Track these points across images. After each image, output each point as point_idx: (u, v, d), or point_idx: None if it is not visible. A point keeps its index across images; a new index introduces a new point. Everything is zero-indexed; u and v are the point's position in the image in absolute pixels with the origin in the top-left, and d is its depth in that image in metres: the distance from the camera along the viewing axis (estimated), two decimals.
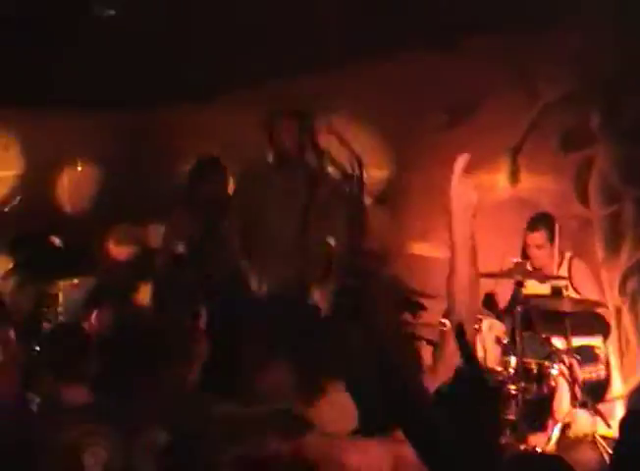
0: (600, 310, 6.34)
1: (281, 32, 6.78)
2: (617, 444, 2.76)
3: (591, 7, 6.46)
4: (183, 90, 8.41)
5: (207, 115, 8.96)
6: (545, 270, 6.47)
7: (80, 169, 9.31)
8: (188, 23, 6.42)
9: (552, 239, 6.43)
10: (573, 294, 6.34)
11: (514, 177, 7.37)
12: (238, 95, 8.54)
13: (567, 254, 6.56)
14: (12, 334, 4.30)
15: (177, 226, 6.75)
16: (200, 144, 8.85)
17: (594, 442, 5.62)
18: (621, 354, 6.46)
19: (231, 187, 7.23)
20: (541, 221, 6.54)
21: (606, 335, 6.33)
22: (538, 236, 6.47)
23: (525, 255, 6.59)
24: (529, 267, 6.37)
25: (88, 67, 7.02)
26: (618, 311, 6.46)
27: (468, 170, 7.46)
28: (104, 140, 9.51)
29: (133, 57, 6.72)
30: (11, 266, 6.52)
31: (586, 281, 6.49)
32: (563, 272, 6.49)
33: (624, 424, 2.70)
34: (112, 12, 5.18)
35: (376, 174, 8.21)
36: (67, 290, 5.94)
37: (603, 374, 6.21)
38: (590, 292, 6.38)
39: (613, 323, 6.43)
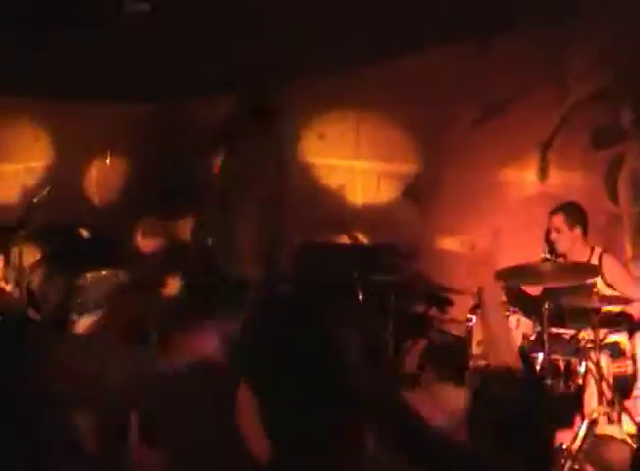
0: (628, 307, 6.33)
1: (311, 27, 6.79)
2: None
3: (621, 3, 6.43)
4: (211, 86, 8.48)
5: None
6: (570, 257, 6.42)
7: (108, 161, 9.37)
8: (217, 21, 6.43)
9: (572, 225, 6.39)
10: (603, 290, 6.32)
11: (543, 173, 7.37)
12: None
13: (597, 250, 6.53)
14: None
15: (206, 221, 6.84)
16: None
17: (622, 439, 5.60)
18: None
19: None
20: (563, 206, 6.52)
21: (632, 331, 6.32)
22: (556, 219, 6.43)
23: (548, 241, 6.58)
24: (554, 257, 6.37)
25: (120, 61, 7.06)
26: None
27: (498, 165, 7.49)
28: (133, 134, 9.58)
29: (165, 54, 6.74)
30: (39, 257, 6.55)
31: (619, 276, 6.46)
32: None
33: None
34: (146, 7, 5.13)
35: (405, 169, 8.29)
36: (95, 282, 5.98)
37: (630, 370, 6.15)
38: (623, 288, 6.35)
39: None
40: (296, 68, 7.83)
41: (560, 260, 6.42)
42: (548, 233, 6.54)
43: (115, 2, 5.04)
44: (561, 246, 6.44)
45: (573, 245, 6.43)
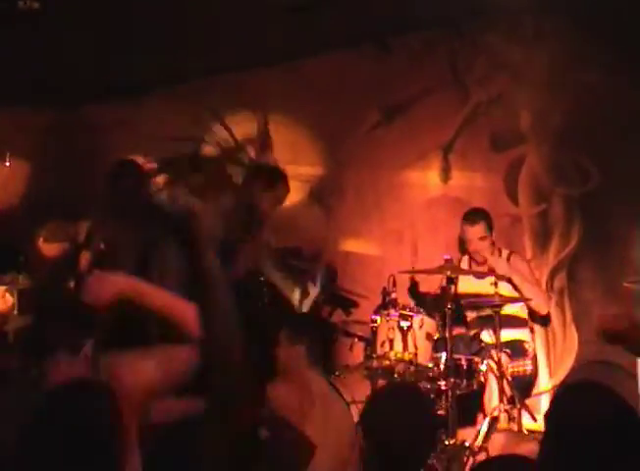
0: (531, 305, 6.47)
1: (212, 30, 6.73)
2: (544, 437, 2.83)
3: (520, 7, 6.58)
4: (112, 88, 8.38)
5: (135, 112, 8.97)
6: (479, 264, 6.56)
7: (8, 164, 9.21)
8: (113, 19, 6.31)
9: (490, 233, 6.53)
10: (505, 290, 6.42)
11: (446, 174, 7.44)
12: (166, 92, 8.45)
13: (505, 251, 6.64)
14: None
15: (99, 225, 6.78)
16: (129, 141, 8.85)
17: (521, 435, 5.70)
18: (548, 349, 6.58)
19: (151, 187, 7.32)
20: (479, 214, 6.60)
21: (533, 330, 6.49)
22: (479, 229, 6.52)
23: (464, 250, 6.72)
24: (463, 263, 6.57)
25: (17, 64, 6.94)
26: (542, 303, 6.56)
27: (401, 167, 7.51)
28: (34, 136, 9.43)
29: (61, 54, 6.63)
30: None
31: (525, 276, 6.58)
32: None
33: (549, 417, 2.77)
34: (36, 5, 4.98)
35: (310, 171, 8.26)
36: None
37: (530, 369, 6.34)
38: (529, 289, 6.46)
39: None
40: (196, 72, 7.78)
41: (464, 264, 6.58)
42: (466, 242, 6.63)
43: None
44: (484, 254, 6.53)
45: (483, 251, 6.54)
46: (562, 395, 2.90)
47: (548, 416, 2.77)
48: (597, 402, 2.69)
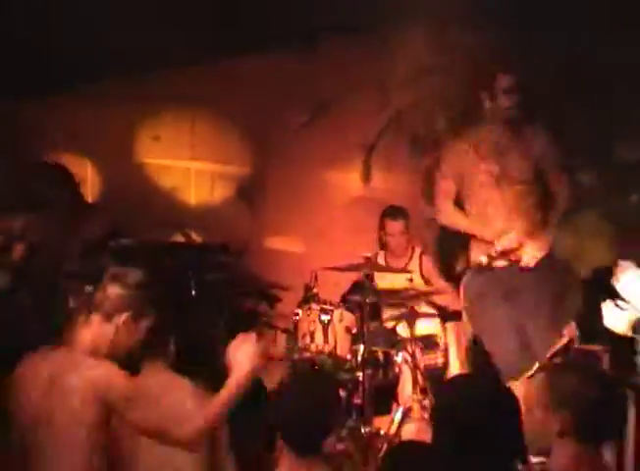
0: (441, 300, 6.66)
1: (144, 27, 6.59)
2: (432, 410, 3.05)
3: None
4: (44, 84, 8.33)
5: (69, 108, 8.95)
6: (396, 261, 6.76)
7: None
8: (47, 15, 6.23)
9: (406, 231, 6.75)
10: (420, 286, 6.63)
11: (367, 175, 7.59)
12: (101, 89, 8.29)
13: (417, 250, 6.83)
14: None
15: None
16: (62, 138, 8.84)
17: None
18: (458, 342, 6.68)
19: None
20: (399, 211, 6.81)
21: (445, 322, 6.65)
22: (399, 225, 6.75)
23: (382, 245, 6.89)
24: (380, 259, 6.71)
25: None
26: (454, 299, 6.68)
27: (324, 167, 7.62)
28: None
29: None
30: None
31: (434, 274, 6.80)
32: (414, 265, 6.79)
33: (438, 392, 2.99)
34: None
35: (238, 170, 8.36)
36: None
37: (441, 361, 6.50)
38: (438, 284, 6.68)
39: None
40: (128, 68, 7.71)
41: (381, 261, 6.76)
42: (386, 236, 6.83)
43: None
44: (402, 250, 6.74)
45: (400, 247, 6.76)
46: (441, 389, 3.09)
47: (432, 407, 2.98)
48: (470, 391, 2.89)
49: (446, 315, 6.69)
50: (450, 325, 6.70)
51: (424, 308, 6.58)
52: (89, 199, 8.34)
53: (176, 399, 4.12)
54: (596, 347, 4.99)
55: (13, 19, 5.64)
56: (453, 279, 6.87)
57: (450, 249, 7.09)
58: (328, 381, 4.13)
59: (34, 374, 3.81)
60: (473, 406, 2.81)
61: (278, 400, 3.56)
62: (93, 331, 3.88)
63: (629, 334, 4.23)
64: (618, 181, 6.54)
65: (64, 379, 3.72)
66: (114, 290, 3.97)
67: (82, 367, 3.73)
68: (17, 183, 7.43)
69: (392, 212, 6.83)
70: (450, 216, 6.35)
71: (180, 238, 8.33)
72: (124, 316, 3.93)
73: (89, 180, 8.70)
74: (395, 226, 6.78)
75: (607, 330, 4.54)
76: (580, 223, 6.82)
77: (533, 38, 6.87)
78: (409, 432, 5.74)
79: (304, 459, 3.44)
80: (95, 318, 3.90)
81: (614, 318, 4.43)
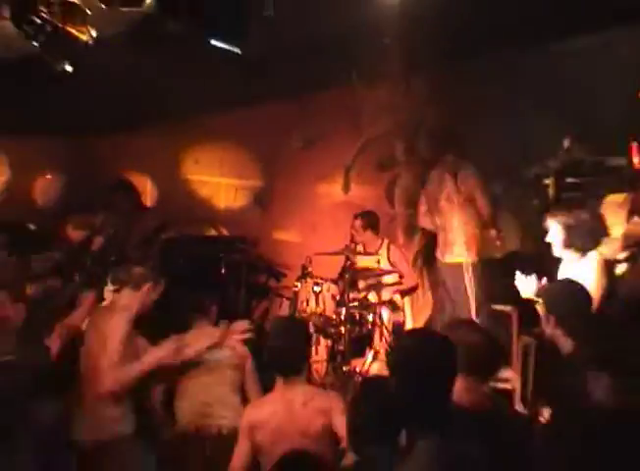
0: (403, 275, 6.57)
1: (190, 83, 6.48)
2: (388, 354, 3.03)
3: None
4: (121, 124, 8.36)
5: (135, 141, 8.97)
6: (369, 248, 6.59)
7: (48, 176, 9.27)
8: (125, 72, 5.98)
9: (367, 227, 6.54)
10: (386, 266, 6.56)
11: (347, 187, 7.52)
12: (158, 127, 8.54)
13: (386, 240, 6.75)
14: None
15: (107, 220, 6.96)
16: (129, 162, 8.92)
17: None
18: (412, 305, 6.65)
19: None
20: (362, 214, 6.65)
21: (403, 295, 6.57)
22: (358, 223, 6.59)
23: (351, 237, 6.72)
24: (358, 247, 6.52)
25: (55, 105, 6.94)
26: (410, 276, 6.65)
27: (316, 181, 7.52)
28: (65, 157, 9.43)
29: (83, 98, 6.62)
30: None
31: (399, 258, 6.74)
32: (383, 252, 6.61)
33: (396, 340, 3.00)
34: (69, 68, 4.82)
35: (253, 184, 8.39)
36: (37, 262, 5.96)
37: (401, 319, 6.45)
38: (401, 267, 6.55)
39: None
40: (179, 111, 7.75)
41: (359, 248, 6.61)
42: (353, 232, 6.67)
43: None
44: (365, 243, 6.60)
45: (368, 239, 6.60)
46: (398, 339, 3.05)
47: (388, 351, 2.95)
48: (418, 343, 2.86)
49: (405, 289, 6.61)
50: (408, 296, 6.65)
51: (387, 278, 6.50)
52: (147, 204, 8.44)
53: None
54: (508, 308, 4.99)
55: (94, 77, 5.52)
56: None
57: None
58: (302, 324, 4.16)
59: None
60: (419, 350, 2.82)
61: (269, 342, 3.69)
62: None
63: (534, 297, 4.23)
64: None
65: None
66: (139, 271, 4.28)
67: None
68: (98, 193, 7.49)
69: (357, 214, 6.69)
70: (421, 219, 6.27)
71: (212, 232, 8.42)
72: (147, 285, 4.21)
73: (148, 191, 8.80)
74: (356, 223, 6.64)
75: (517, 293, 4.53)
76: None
77: None
78: (376, 369, 5.72)
79: (289, 379, 3.58)
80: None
81: (523, 285, 4.42)
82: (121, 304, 4.24)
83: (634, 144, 5.00)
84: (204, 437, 4.19)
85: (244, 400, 4.38)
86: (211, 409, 4.29)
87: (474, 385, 3.17)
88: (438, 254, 6.00)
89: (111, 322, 4.08)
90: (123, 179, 7.64)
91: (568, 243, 4.57)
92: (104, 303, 4.69)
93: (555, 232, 4.64)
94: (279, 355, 3.62)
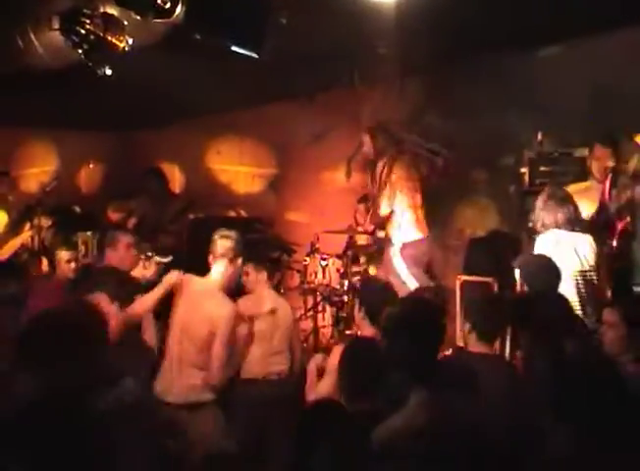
0: None
1: (215, 85, 6.30)
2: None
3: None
4: (156, 120, 8.34)
5: (165, 135, 9.00)
6: (366, 227, 6.52)
7: (91, 166, 9.34)
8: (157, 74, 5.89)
9: (367, 210, 6.51)
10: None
11: (348, 175, 7.14)
12: (185, 123, 8.50)
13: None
14: None
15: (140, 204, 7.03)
16: (161, 154, 8.92)
17: None
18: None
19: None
20: (364, 198, 6.61)
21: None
22: (362, 207, 6.63)
23: (356, 219, 6.73)
24: (359, 228, 6.50)
25: (97, 105, 6.96)
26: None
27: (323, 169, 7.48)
28: (106, 150, 9.52)
29: (121, 98, 6.58)
30: (50, 223, 6.50)
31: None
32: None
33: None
34: (109, 72, 4.81)
35: (269, 172, 8.38)
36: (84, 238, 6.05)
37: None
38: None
39: None
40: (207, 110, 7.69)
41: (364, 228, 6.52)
42: (355, 213, 6.73)
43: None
44: (362, 221, 6.65)
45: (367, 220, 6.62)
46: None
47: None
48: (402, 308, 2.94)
49: None
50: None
51: None
52: (176, 190, 8.50)
53: None
54: (488, 279, 4.98)
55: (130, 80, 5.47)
56: None
57: None
58: None
59: None
60: (409, 313, 2.88)
61: None
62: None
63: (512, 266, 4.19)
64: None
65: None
66: (227, 243, 3.96)
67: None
68: (133, 181, 7.54)
69: (360, 199, 6.70)
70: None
71: (232, 214, 8.47)
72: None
73: (177, 178, 8.85)
74: (360, 207, 6.69)
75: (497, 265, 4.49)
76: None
77: None
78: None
79: None
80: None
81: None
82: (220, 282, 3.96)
83: (597, 145, 4.96)
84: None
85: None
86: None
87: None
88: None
89: (219, 307, 3.85)
90: (154, 168, 7.70)
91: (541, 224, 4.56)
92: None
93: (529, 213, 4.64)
94: None
